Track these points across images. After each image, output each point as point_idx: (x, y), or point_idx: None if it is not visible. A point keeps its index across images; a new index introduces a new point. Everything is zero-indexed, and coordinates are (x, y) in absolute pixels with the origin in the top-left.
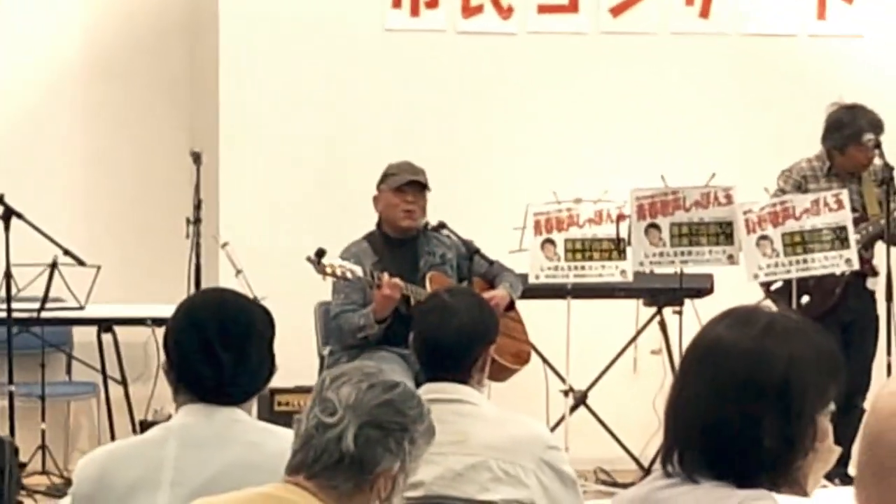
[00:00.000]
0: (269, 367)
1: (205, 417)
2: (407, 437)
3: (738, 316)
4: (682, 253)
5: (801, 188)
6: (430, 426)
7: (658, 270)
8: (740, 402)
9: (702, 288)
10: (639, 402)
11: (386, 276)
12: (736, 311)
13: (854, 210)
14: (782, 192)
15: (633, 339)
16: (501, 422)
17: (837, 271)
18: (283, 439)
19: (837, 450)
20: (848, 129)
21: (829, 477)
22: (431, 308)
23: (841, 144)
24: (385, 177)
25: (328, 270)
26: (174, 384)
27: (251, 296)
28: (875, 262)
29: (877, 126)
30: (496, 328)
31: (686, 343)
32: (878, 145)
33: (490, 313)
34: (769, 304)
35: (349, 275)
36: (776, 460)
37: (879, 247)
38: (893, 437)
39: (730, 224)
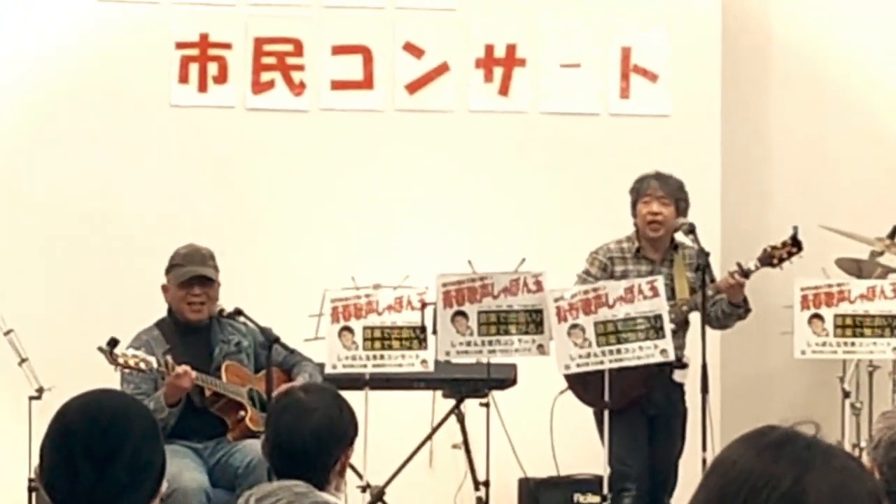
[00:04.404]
0: (150, 484)
1: None
2: None
3: (756, 431)
4: (491, 342)
5: (607, 270)
6: None
7: (465, 360)
8: None
9: (505, 378)
10: (437, 499)
11: (176, 365)
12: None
13: None
14: (588, 274)
15: (432, 433)
16: None
17: (652, 362)
18: None
19: None
20: (636, 185)
21: None
22: (285, 407)
23: (633, 203)
24: (171, 267)
25: (121, 361)
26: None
27: (35, 386)
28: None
29: (674, 186)
30: (356, 428)
31: (493, 437)
32: (692, 230)
33: (350, 412)
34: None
35: (143, 365)
36: None
37: (689, 337)
38: None
39: (539, 312)
